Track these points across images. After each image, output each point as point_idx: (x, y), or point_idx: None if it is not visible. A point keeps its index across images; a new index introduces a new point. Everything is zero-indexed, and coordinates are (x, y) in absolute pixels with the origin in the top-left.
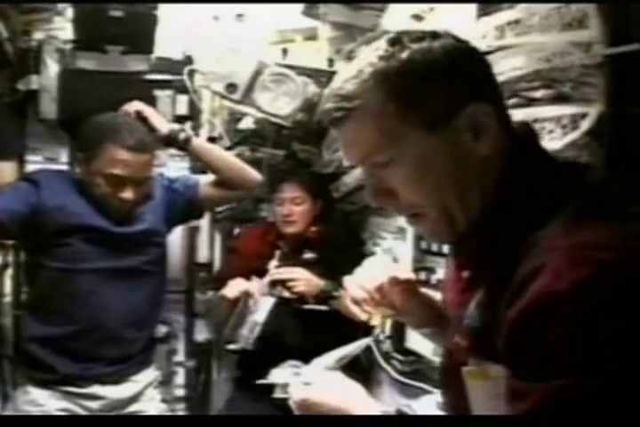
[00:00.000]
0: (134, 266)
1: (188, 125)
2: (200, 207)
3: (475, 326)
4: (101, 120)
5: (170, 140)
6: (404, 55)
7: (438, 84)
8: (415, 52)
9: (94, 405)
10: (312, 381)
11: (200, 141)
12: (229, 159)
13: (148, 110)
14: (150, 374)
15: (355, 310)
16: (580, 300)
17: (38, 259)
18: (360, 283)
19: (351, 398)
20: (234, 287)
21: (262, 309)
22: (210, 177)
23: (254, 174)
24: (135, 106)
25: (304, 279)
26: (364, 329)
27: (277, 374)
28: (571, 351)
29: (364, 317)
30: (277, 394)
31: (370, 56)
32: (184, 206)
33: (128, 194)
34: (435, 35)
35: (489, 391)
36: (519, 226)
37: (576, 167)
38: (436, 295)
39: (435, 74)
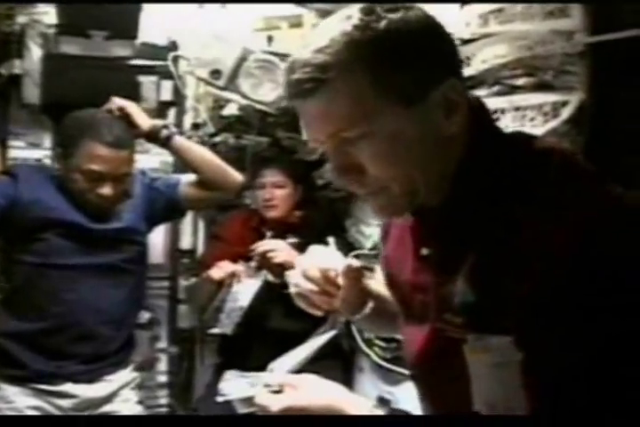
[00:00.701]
0: (112, 263)
1: (171, 117)
2: (181, 207)
3: (468, 301)
4: (80, 116)
5: (151, 137)
6: (381, 25)
7: (416, 58)
8: (391, 23)
9: (66, 403)
10: (287, 387)
11: (182, 140)
12: (211, 159)
13: (130, 106)
14: (127, 375)
15: (302, 304)
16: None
17: (14, 253)
18: (308, 275)
19: (338, 397)
20: (220, 269)
21: (246, 293)
22: (191, 177)
23: (235, 175)
24: (117, 102)
25: (284, 249)
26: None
27: (232, 388)
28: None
29: (314, 311)
30: (242, 410)
31: (343, 25)
32: (164, 206)
33: (106, 190)
34: (407, 6)
35: (490, 362)
36: (498, 197)
37: (523, 136)
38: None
39: (413, 46)
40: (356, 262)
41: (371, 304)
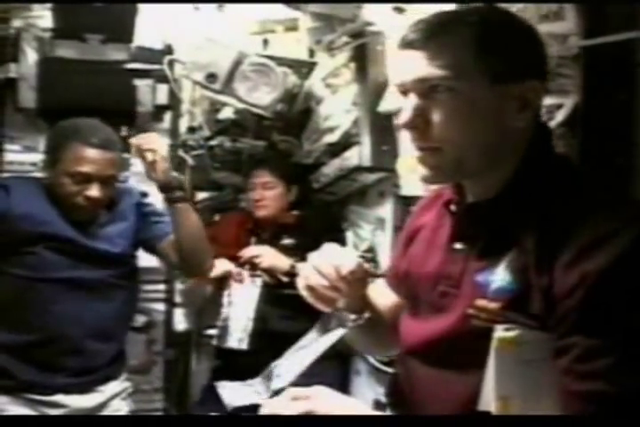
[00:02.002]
0: (101, 278)
1: (167, 121)
2: (154, 252)
3: (509, 289)
4: (65, 124)
5: (161, 189)
6: (499, 11)
7: (517, 48)
8: (508, 14)
9: (56, 413)
10: (304, 395)
11: (188, 206)
12: (199, 236)
13: (160, 150)
14: (118, 386)
15: (311, 299)
16: None
17: (2, 265)
18: (320, 269)
19: (354, 404)
20: (217, 267)
21: (248, 301)
22: None
23: (208, 262)
24: (150, 142)
25: (268, 255)
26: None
27: (237, 397)
28: None
29: (322, 307)
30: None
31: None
32: (145, 244)
33: (94, 192)
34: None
35: (518, 358)
36: (545, 204)
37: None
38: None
39: (519, 37)
40: (366, 264)
41: (367, 314)
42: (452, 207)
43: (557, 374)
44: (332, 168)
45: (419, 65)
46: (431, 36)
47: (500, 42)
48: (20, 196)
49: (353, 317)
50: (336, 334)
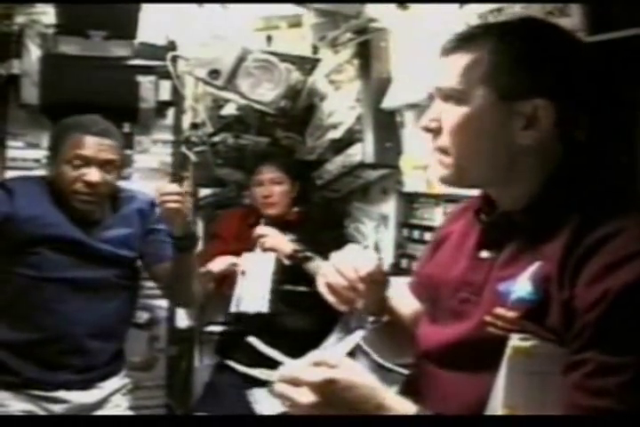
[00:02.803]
0: (104, 278)
1: (170, 117)
2: (146, 268)
3: (529, 299)
4: (67, 120)
5: (176, 238)
6: (523, 27)
7: (530, 65)
8: (533, 30)
9: (57, 408)
10: (329, 362)
11: (193, 254)
12: (193, 281)
13: (184, 205)
14: (118, 382)
15: (330, 298)
16: None
17: (7, 265)
18: (340, 269)
19: (374, 385)
20: (220, 262)
21: (265, 269)
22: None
23: (195, 302)
24: (172, 193)
25: (273, 235)
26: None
27: (267, 404)
28: None
29: (340, 306)
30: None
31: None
32: (143, 256)
33: (93, 176)
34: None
35: (529, 369)
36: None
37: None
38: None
39: (535, 56)
40: (386, 267)
41: (385, 317)
42: (482, 216)
43: (565, 390)
44: (335, 165)
45: (439, 73)
46: (454, 47)
47: (510, 59)
48: (23, 198)
49: (371, 319)
50: (358, 336)
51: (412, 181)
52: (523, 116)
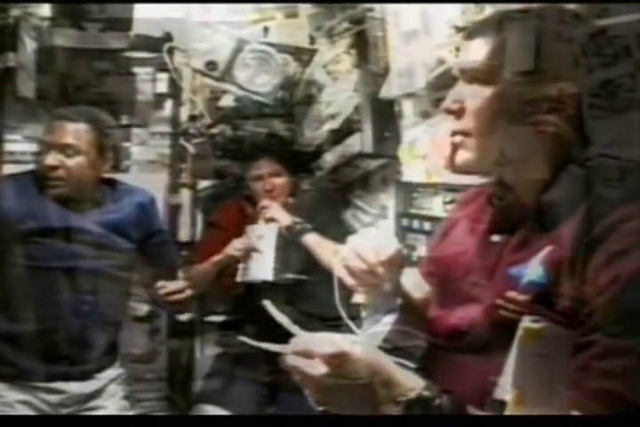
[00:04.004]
0: (99, 268)
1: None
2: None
3: (540, 283)
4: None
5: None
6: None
7: (557, 48)
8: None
9: (54, 398)
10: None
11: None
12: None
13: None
14: (113, 372)
15: (349, 281)
16: None
17: (2, 255)
18: (359, 253)
19: (386, 361)
20: (238, 245)
21: (268, 239)
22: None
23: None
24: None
25: (273, 207)
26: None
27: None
28: None
29: (353, 286)
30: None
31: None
32: (145, 253)
33: (48, 160)
34: None
35: (539, 351)
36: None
37: None
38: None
39: (564, 40)
40: (404, 251)
41: (399, 300)
42: (495, 200)
43: (572, 371)
44: (334, 155)
45: (464, 55)
46: (479, 30)
47: (535, 42)
48: (11, 198)
49: (387, 302)
50: (391, 318)
51: (411, 171)
52: (547, 99)
